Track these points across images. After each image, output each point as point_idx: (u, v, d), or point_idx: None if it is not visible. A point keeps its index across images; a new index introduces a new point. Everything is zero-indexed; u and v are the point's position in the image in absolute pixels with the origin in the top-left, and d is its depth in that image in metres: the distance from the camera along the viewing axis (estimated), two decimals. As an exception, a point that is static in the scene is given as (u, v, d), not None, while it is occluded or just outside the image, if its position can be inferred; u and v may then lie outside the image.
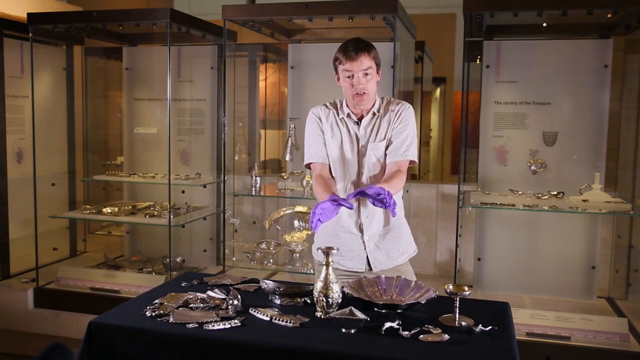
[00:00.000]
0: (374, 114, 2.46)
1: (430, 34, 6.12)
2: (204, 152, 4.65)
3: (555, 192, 3.73)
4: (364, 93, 2.36)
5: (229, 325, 1.88)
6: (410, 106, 2.50)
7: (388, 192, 2.09)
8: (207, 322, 1.89)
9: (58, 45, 4.82)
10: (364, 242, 2.46)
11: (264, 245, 4.07)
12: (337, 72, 2.44)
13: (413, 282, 2.19)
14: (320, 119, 2.55)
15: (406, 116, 2.46)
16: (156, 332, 1.86)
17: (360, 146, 2.46)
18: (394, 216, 2.28)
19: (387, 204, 2.11)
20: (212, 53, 4.60)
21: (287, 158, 4.00)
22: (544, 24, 4.07)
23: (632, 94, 3.92)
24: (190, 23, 4.07)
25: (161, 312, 1.98)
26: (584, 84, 3.84)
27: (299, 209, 4.11)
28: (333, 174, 2.52)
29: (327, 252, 1.99)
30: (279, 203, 4.37)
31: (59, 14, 4.39)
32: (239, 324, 1.90)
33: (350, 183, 2.47)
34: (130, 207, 4.46)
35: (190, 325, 1.88)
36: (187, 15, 4.04)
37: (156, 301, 2.09)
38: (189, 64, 4.66)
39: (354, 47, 2.35)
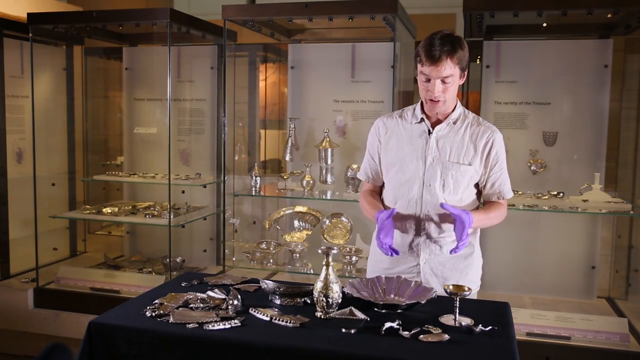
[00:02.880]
0: (451, 123, 2.24)
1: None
2: (204, 152, 4.65)
3: (555, 192, 3.73)
4: (438, 100, 2.16)
5: (229, 325, 1.88)
6: (499, 132, 2.28)
7: (464, 242, 2.07)
8: (207, 322, 1.89)
9: (58, 45, 4.83)
10: (419, 265, 2.31)
11: (264, 245, 4.07)
12: (415, 68, 2.19)
13: (413, 282, 2.19)
14: (378, 132, 2.35)
15: (500, 147, 2.25)
16: (156, 332, 1.86)
17: (427, 159, 2.23)
18: (450, 252, 2.16)
19: (456, 247, 2.09)
20: (212, 53, 4.60)
21: (287, 158, 4.00)
22: (544, 24, 4.07)
23: (632, 94, 3.91)
24: (190, 23, 4.07)
25: (161, 312, 1.98)
26: (584, 84, 3.83)
27: (299, 209, 4.11)
28: (390, 189, 2.33)
29: (327, 252, 1.99)
30: (279, 203, 4.37)
31: (59, 14, 4.39)
32: (239, 324, 1.90)
33: (408, 200, 2.26)
34: (130, 207, 4.46)
35: (190, 325, 1.87)
36: (187, 15, 4.04)
37: (156, 301, 2.09)
38: (189, 64, 4.66)
39: (439, 48, 2.06)
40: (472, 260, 2.34)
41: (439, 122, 2.26)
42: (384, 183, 2.41)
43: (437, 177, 2.23)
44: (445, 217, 2.24)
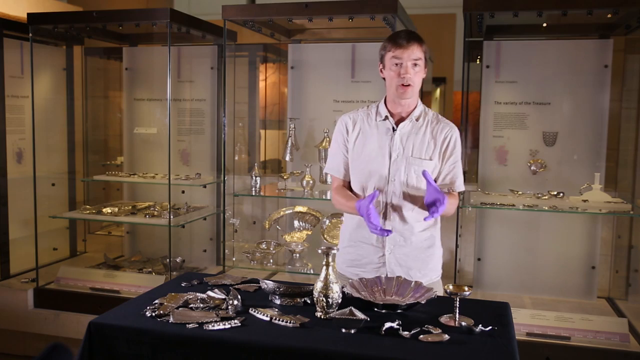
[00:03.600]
0: (414, 120, 2.35)
1: (430, 34, 6.10)
2: (204, 152, 4.65)
3: (555, 192, 3.73)
4: (409, 85, 2.26)
5: (229, 326, 1.88)
6: (457, 130, 2.41)
7: (441, 205, 2.10)
8: (207, 322, 1.89)
9: (58, 45, 4.82)
10: (384, 255, 2.38)
11: (264, 245, 4.07)
12: (382, 62, 2.34)
13: (413, 282, 2.19)
14: (347, 128, 2.43)
15: (457, 143, 2.39)
16: (156, 332, 1.86)
17: (392, 155, 2.34)
18: (425, 219, 2.18)
19: (434, 211, 2.11)
20: (212, 53, 4.59)
21: (287, 158, 4.00)
22: (544, 24, 4.07)
23: (632, 94, 3.91)
24: (190, 23, 4.07)
25: (161, 312, 1.98)
26: (584, 84, 3.83)
27: (299, 209, 4.11)
28: (357, 184, 2.41)
29: (327, 252, 1.99)
30: (279, 203, 4.37)
31: (59, 14, 4.39)
32: (239, 324, 1.90)
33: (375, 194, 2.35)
34: (130, 207, 4.46)
35: (190, 326, 1.87)
36: (187, 15, 4.04)
37: (156, 301, 2.09)
38: (189, 64, 4.66)
39: (406, 36, 2.26)
40: (434, 250, 2.45)
41: (402, 119, 2.37)
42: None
43: (402, 172, 2.33)
44: (409, 211, 2.35)
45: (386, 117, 2.36)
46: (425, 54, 2.28)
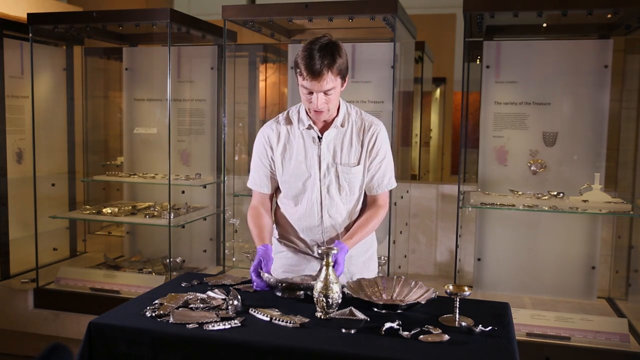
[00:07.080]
0: (338, 126, 2.25)
1: (430, 34, 6.12)
2: (204, 152, 4.65)
3: (555, 193, 3.73)
4: (322, 111, 2.15)
5: (229, 326, 1.88)
6: (383, 125, 2.31)
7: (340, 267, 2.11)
8: (207, 323, 1.89)
9: (58, 45, 4.83)
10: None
11: (264, 246, 4.06)
12: (295, 74, 2.15)
13: (413, 282, 2.19)
14: (269, 141, 2.30)
15: (382, 140, 2.27)
16: (156, 333, 1.86)
17: (322, 165, 2.25)
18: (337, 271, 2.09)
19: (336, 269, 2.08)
20: (212, 53, 4.60)
21: (287, 158, 3.99)
22: (544, 24, 4.07)
23: (632, 94, 3.92)
24: (190, 23, 4.07)
25: (161, 312, 1.97)
26: (584, 84, 3.83)
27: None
28: (289, 198, 2.34)
29: (327, 252, 1.99)
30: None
31: (59, 14, 4.40)
32: (239, 324, 1.90)
33: (308, 206, 2.30)
34: (130, 207, 4.46)
35: (190, 326, 1.87)
36: (187, 15, 4.05)
37: (156, 301, 2.09)
38: (189, 64, 4.66)
39: (320, 61, 2.02)
40: (372, 252, 2.45)
41: (326, 126, 2.26)
42: (277, 189, 2.41)
43: (333, 182, 2.27)
44: (344, 220, 2.32)
45: (310, 126, 2.25)
46: (339, 74, 2.08)
